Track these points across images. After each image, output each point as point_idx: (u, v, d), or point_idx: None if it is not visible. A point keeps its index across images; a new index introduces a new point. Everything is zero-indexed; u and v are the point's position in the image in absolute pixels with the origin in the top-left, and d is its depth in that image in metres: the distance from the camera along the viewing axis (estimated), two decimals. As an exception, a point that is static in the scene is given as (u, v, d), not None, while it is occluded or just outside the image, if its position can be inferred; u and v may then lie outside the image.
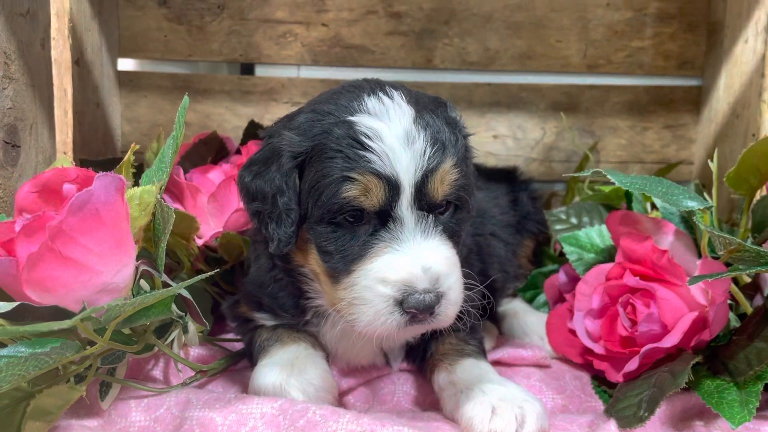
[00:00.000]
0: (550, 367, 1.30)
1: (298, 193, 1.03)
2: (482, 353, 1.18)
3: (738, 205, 1.48)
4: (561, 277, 1.46)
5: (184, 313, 1.11)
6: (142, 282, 1.08)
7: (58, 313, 0.91)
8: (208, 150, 1.64)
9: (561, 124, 1.95)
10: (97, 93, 1.76)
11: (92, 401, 1.02)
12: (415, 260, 0.95)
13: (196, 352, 1.24)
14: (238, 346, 1.30)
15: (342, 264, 0.99)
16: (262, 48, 1.92)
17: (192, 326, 1.16)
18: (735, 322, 1.20)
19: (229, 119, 1.94)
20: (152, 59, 1.95)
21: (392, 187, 0.97)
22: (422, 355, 1.21)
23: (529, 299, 1.59)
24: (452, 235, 1.03)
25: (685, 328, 1.12)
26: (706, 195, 1.28)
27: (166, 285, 1.05)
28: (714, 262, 1.16)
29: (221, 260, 1.41)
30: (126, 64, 1.94)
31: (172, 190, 1.41)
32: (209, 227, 1.39)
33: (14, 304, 0.90)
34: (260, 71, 2.00)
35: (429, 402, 1.18)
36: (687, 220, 1.31)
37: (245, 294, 1.23)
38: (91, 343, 0.94)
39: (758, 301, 1.20)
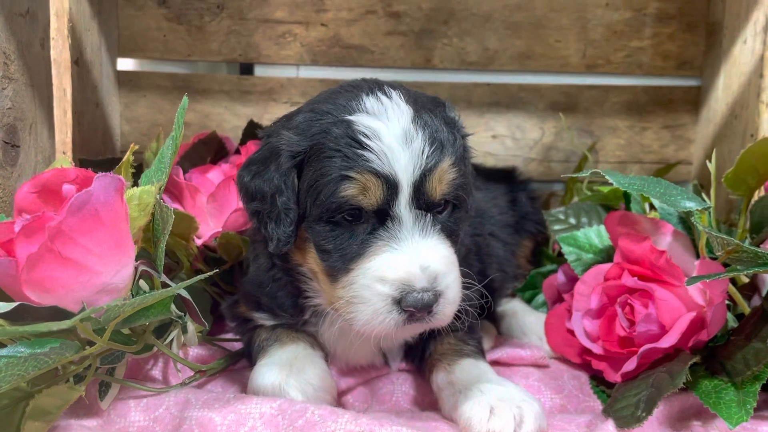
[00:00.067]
0: (549, 367, 1.30)
1: (296, 193, 1.03)
2: (481, 353, 1.19)
3: (736, 205, 1.48)
4: (559, 277, 1.46)
5: (183, 313, 1.12)
6: (142, 282, 1.08)
7: (58, 313, 0.92)
8: (208, 150, 1.64)
9: (560, 124, 1.95)
10: (97, 93, 1.76)
11: (91, 401, 1.02)
12: (414, 259, 0.96)
13: (195, 351, 1.24)
14: (237, 345, 1.30)
15: (340, 263, 1.00)
16: (261, 48, 1.92)
17: (191, 326, 1.16)
18: (733, 323, 1.20)
19: (229, 119, 1.94)
20: (151, 59, 1.95)
21: (390, 186, 0.97)
22: (421, 355, 1.21)
23: (528, 299, 1.59)
24: (450, 234, 1.04)
25: (683, 328, 1.12)
26: (704, 195, 1.28)
27: (165, 285, 1.05)
28: (712, 262, 1.16)
29: (220, 260, 1.41)
30: (125, 64, 1.94)
31: (172, 190, 1.41)
32: (208, 227, 1.39)
33: (14, 305, 0.90)
34: (259, 71, 2.00)
35: (428, 402, 1.18)
36: (685, 221, 1.31)
37: (244, 294, 1.23)
38: (91, 344, 0.95)
39: (756, 301, 1.20)
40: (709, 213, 1.21)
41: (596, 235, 1.41)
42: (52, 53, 1.44)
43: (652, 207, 1.43)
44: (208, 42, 1.91)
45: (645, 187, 1.12)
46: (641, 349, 1.14)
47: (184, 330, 1.15)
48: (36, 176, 1.03)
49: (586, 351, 1.26)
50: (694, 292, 1.16)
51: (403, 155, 0.97)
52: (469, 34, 1.93)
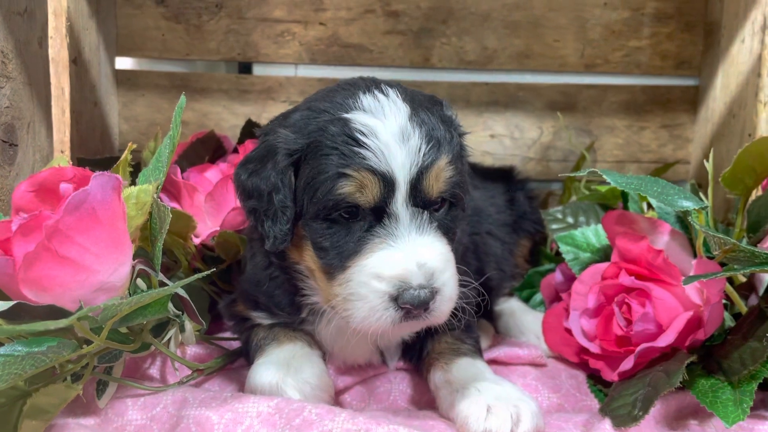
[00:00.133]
0: (546, 366, 1.30)
1: (293, 191, 1.03)
2: (478, 352, 1.19)
3: (734, 205, 1.49)
4: (557, 276, 1.46)
5: (180, 312, 1.12)
6: (139, 281, 1.08)
7: (55, 312, 0.92)
8: (206, 149, 1.64)
9: (558, 124, 1.96)
10: (95, 92, 1.76)
11: (89, 400, 1.02)
12: (410, 256, 0.96)
13: (192, 350, 1.24)
14: (235, 344, 1.30)
15: (337, 260, 1.00)
16: (259, 47, 1.92)
17: (189, 325, 1.16)
18: (730, 322, 1.20)
19: (227, 118, 1.94)
20: (150, 58, 1.95)
21: (387, 183, 0.97)
22: (418, 354, 1.21)
23: (526, 298, 1.60)
24: (447, 231, 1.04)
25: (680, 327, 1.12)
26: (701, 195, 1.28)
27: (162, 284, 1.05)
28: (709, 262, 1.17)
29: (218, 259, 1.41)
30: (124, 63, 1.94)
31: (170, 189, 1.41)
32: (206, 226, 1.39)
33: (11, 303, 0.90)
34: (258, 70, 2.00)
35: (425, 401, 1.18)
36: (683, 220, 1.31)
37: (242, 292, 1.24)
38: (88, 342, 0.95)
39: (753, 300, 1.20)
40: (707, 212, 1.22)
41: (594, 234, 1.42)
42: (50, 52, 1.45)
43: (649, 206, 1.43)
44: (206, 41, 1.91)
45: (642, 186, 1.12)
46: (638, 348, 1.14)
47: (182, 329, 1.15)
48: (33, 175, 1.03)
49: (583, 350, 1.26)
50: (692, 291, 1.16)
51: (400, 153, 0.97)
52: (467, 33, 1.93)
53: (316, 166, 0.99)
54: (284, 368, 1.07)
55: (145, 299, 0.93)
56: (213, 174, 1.44)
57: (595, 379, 1.25)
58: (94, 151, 1.74)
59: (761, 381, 1.04)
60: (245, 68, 2.04)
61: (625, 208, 1.47)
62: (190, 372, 1.16)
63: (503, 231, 1.57)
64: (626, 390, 1.09)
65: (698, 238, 1.20)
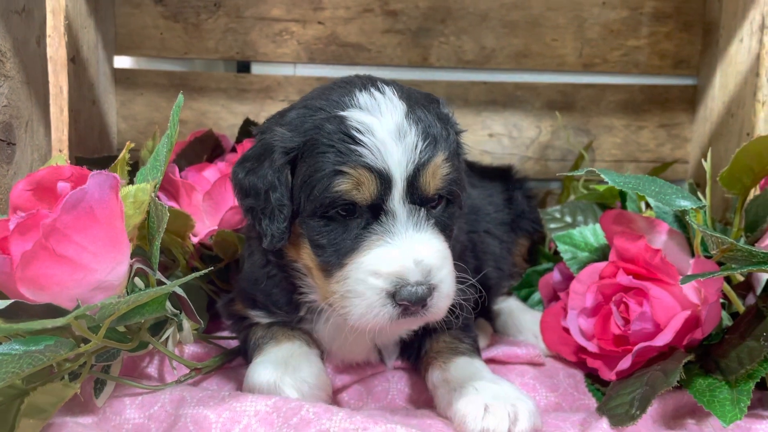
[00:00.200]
0: (544, 365, 1.31)
1: (290, 189, 1.03)
2: (476, 351, 1.19)
3: (732, 204, 1.49)
4: (555, 275, 1.47)
5: (178, 311, 1.12)
6: (137, 280, 1.08)
7: (52, 310, 0.92)
8: (204, 148, 1.64)
9: (556, 123, 1.96)
10: (93, 91, 1.76)
11: (87, 398, 1.03)
12: (407, 253, 0.96)
13: (191, 349, 1.24)
14: (233, 343, 1.30)
15: (335, 257, 1.00)
16: (258, 46, 1.92)
17: (187, 324, 1.16)
18: (727, 321, 1.20)
19: (225, 117, 1.94)
20: (148, 57, 1.95)
21: (384, 180, 0.97)
22: (417, 353, 1.21)
23: (524, 297, 1.60)
24: (444, 228, 1.04)
25: (677, 326, 1.13)
26: (699, 194, 1.29)
27: (160, 283, 1.05)
28: (707, 261, 1.17)
29: (217, 258, 1.42)
30: (122, 62, 1.94)
31: (168, 188, 1.41)
32: (204, 225, 1.39)
33: (8, 302, 0.90)
34: (256, 69, 2.00)
35: (423, 400, 1.18)
36: (681, 220, 1.31)
37: (240, 291, 1.24)
38: (86, 341, 0.95)
39: (751, 300, 1.20)
40: (704, 212, 1.21)
41: (592, 233, 1.42)
42: (49, 51, 1.44)
43: (647, 206, 1.43)
44: (205, 40, 1.91)
45: (640, 185, 1.12)
46: (636, 348, 1.14)
47: (180, 328, 1.15)
48: (31, 174, 1.03)
49: (581, 349, 1.27)
50: (689, 290, 1.16)
51: (397, 150, 0.97)
52: (465, 32, 1.93)
53: (312, 164, 0.99)
54: (282, 367, 1.08)
55: (142, 298, 0.93)
56: (211, 173, 1.44)
57: (592, 378, 1.25)
58: (93, 150, 1.74)
59: (759, 380, 1.04)
60: (244, 67, 2.04)
61: (623, 207, 1.47)
62: (188, 371, 1.16)
63: (501, 230, 1.57)
64: (624, 389, 1.10)
65: (696, 237, 1.20)
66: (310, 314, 1.16)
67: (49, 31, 1.44)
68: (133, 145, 1.25)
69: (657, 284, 1.17)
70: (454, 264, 1.02)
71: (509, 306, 1.52)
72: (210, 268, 1.10)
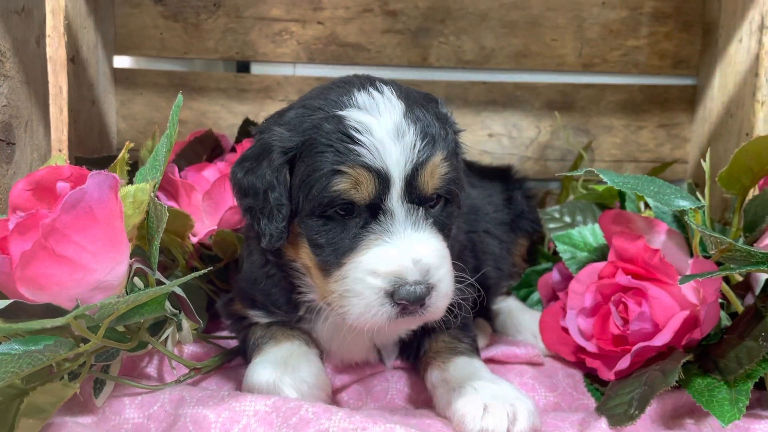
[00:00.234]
0: (543, 365, 1.31)
1: (288, 188, 1.03)
2: (475, 351, 1.19)
3: (731, 204, 1.49)
4: (554, 275, 1.47)
5: (178, 311, 1.12)
6: (136, 280, 1.08)
7: (52, 310, 0.92)
8: (204, 148, 1.64)
9: (556, 123, 1.96)
10: (93, 90, 1.76)
11: (86, 398, 1.03)
12: (406, 252, 0.96)
13: (190, 349, 1.24)
14: (233, 343, 1.30)
15: (333, 257, 1.00)
16: (257, 46, 1.92)
17: (186, 324, 1.17)
18: (726, 321, 1.21)
19: (225, 117, 1.94)
20: (148, 57, 1.95)
21: (382, 180, 0.97)
22: (416, 353, 1.21)
23: (523, 297, 1.60)
24: (443, 228, 1.04)
25: (676, 326, 1.13)
26: (698, 194, 1.29)
27: (160, 283, 1.05)
28: (706, 261, 1.17)
29: (216, 258, 1.42)
30: (122, 62, 1.94)
31: (167, 188, 1.42)
32: (204, 225, 1.39)
33: (8, 302, 0.90)
34: (256, 69, 2.00)
35: (422, 399, 1.18)
36: (679, 220, 1.31)
37: (239, 291, 1.24)
38: (85, 341, 0.95)
39: (749, 300, 1.20)
40: (703, 212, 1.22)
41: (591, 233, 1.42)
42: (48, 51, 1.44)
43: (647, 206, 1.43)
44: (204, 40, 1.91)
45: (639, 185, 1.12)
46: (635, 348, 1.14)
47: (179, 327, 1.15)
48: (30, 174, 1.03)
49: (580, 349, 1.27)
50: (688, 290, 1.16)
51: (395, 149, 0.97)
52: (465, 32, 1.93)
53: (311, 163, 0.99)
54: (281, 367, 1.08)
55: (142, 298, 0.93)
56: (211, 173, 1.44)
57: (591, 378, 1.25)
58: (92, 150, 1.74)
59: (757, 380, 1.04)
60: (243, 67, 2.04)
61: (622, 207, 1.47)
62: (187, 371, 1.16)
63: (501, 230, 1.57)
64: (622, 389, 1.10)
65: (695, 237, 1.20)
66: (309, 314, 1.16)
67: (48, 31, 1.44)
68: (132, 145, 1.25)
69: (656, 284, 1.17)
70: (453, 263, 1.02)
71: (508, 306, 1.52)
72: (209, 268, 1.10)
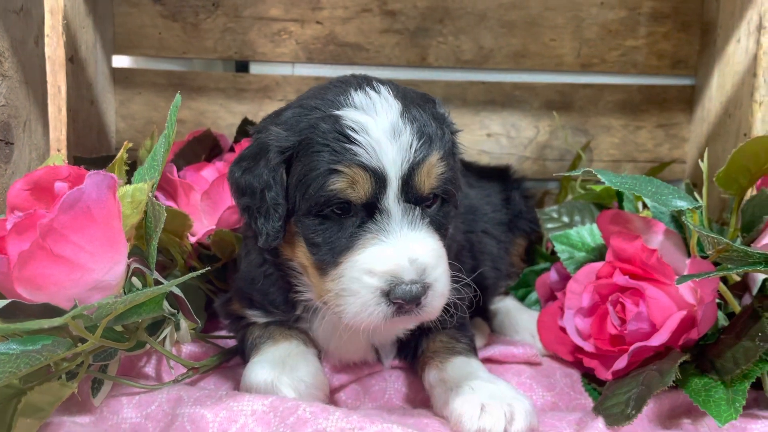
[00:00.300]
0: (541, 364, 1.31)
1: (285, 188, 1.03)
2: (473, 351, 1.19)
3: (728, 204, 1.49)
4: (552, 275, 1.47)
5: (176, 311, 1.12)
6: (134, 279, 1.08)
7: (50, 310, 0.92)
8: (202, 147, 1.64)
9: (554, 123, 1.96)
10: (92, 90, 1.76)
11: (84, 398, 1.03)
12: (402, 251, 0.96)
13: (188, 349, 1.24)
14: (231, 343, 1.31)
15: (329, 256, 1.00)
16: (256, 45, 1.92)
17: (184, 323, 1.16)
18: (723, 321, 1.21)
19: (224, 117, 1.94)
20: (147, 56, 1.95)
21: (379, 179, 0.97)
22: (413, 353, 1.22)
23: (521, 297, 1.60)
24: (439, 228, 1.04)
25: (673, 326, 1.13)
26: (696, 194, 1.29)
27: (157, 282, 1.05)
28: (703, 261, 1.17)
29: (214, 257, 1.42)
30: (120, 61, 1.94)
31: (166, 187, 1.42)
32: (202, 225, 1.39)
33: (5, 302, 0.90)
34: (255, 69, 2.00)
35: (420, 399, 1.18)
36: (677, 220, 1.31)
37: (237, 291, 1.24)
38: (83, 341, 0.95)
39: (747, 300, 1.20)
40: (701, 212, 1.22)
41: (589, 233, 1.42)
42: (47, 50, 1.45)
43: (644, 206, 1.43)
44: (203, 39, 1.91)
45: (637, 186, 1.12)
46: (632, 347, 1.15)
47: (177, 327, 1.15)
48: (28, 174, 1.03)
49: (577, 349, 1.27)
50: (685, 290, 1.17)
51: (391, 149, 0.97)
52: (464, 32, 1.93)
53: (307, 162, 0.99)
54: (279, 367, 1.08)
55: (140, 298, 0.93)
56: (209, 172, 1.44)
57: (589, 378, 1.25)
58: (91, 150, 1.74)
59: (754, 380, 1.04)
60: (242, 67, 2.04)
61: (620, 207, 1.47)
62: (185, 370, 1.16)
63: (499, 230, 1.57)
64: (620, 389, 1.10)
65: (692, 237, 1.20)
66: (307, 313, 1.16)
67: (47, 30, 1.44)
68: (131, 144, 1.25)
69: (653, 284, 1.17)
70: (450, 263, 1.02)
71: (506, 306, 1.52)
72: (208, 268, 1.11)
